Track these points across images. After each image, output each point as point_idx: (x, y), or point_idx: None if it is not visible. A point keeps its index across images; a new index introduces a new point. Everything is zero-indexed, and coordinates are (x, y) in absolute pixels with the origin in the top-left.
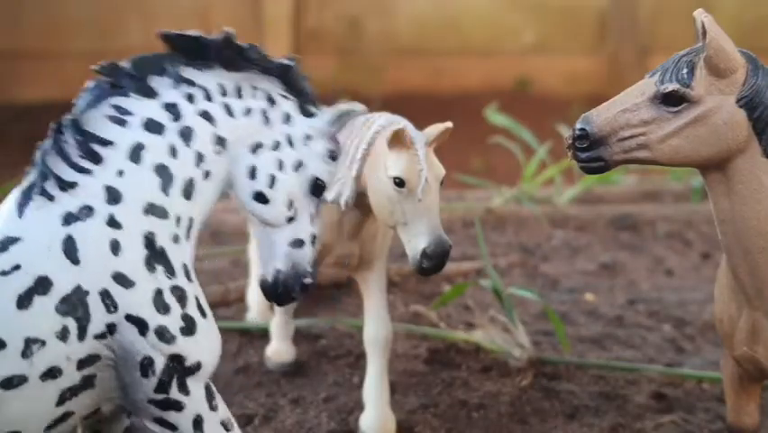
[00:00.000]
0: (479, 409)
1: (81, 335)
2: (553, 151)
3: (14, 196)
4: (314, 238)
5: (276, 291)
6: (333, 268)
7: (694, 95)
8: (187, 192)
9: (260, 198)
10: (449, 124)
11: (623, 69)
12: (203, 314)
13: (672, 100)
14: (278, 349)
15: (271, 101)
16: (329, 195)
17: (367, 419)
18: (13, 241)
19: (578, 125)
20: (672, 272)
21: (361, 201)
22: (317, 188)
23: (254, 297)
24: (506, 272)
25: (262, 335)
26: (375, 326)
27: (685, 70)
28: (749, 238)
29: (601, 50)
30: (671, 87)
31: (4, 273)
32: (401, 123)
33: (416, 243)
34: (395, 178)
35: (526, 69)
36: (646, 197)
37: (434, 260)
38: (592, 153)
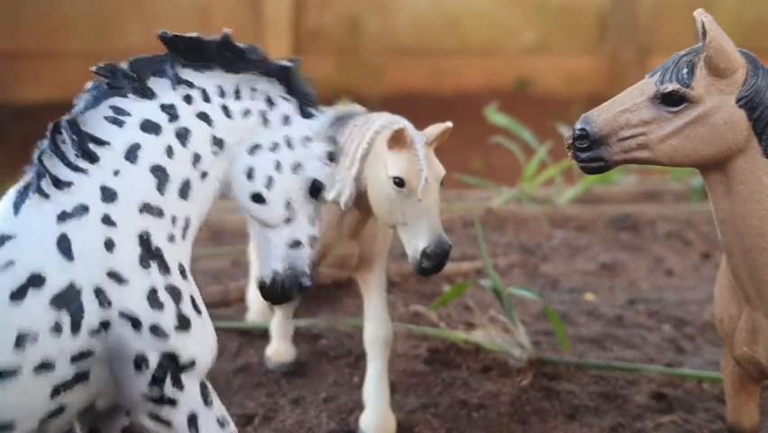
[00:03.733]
0: (479, 409)
1: (75, 330)
2: (553, 151)
3: (11, 194)
4: (313, 239)
5: (273, 292)
6: (333, 268)
7: (694, 95)
8: (184, 192)
9: (258, 198)
10: (449, 124)
11: (623, 69)
12: (198, 312)
13: (672, 100)
14: (278, 349)
15: (270, 102)
16: (329, 195)
17: (367, 419)
18: (7, 238)
19: (578, 125)
20: (672, 272)
21: (360, 201)
22: (316, 189)
23: (254, 297)
24: (506, 272)
25: (262, 335)
26: (375, 326)
27: (685, 70)
28: (749, 238)
29: (601, 50)
30: (671, 86)
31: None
32: (401, 123)
33: (416, 243)
34: (395, 178)
35: (526, 69)
36: (646, 197)
37: (434, 260)
38: (592, 153)
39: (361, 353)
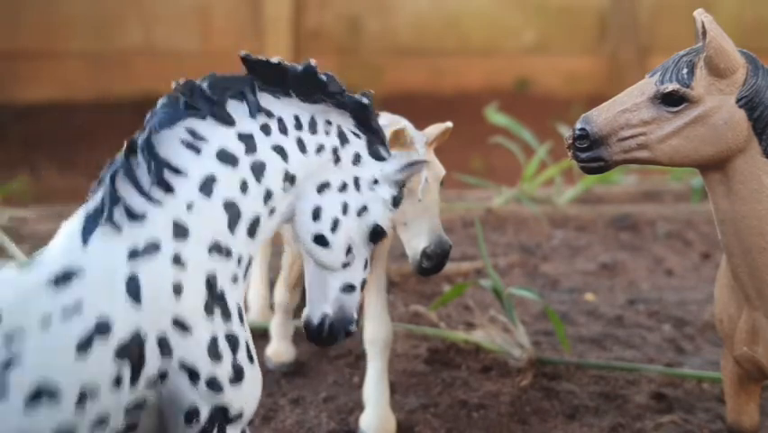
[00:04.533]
0: (479, 409)
1: (134, 381)
2: (553, 151)
3: (78, 218)
4: (364, 283)
5: (320, 334)
6: None
7: (694, 95)
8: (252, 231)
9: (321, 240)
10: (449, 124)
11: (623, 69)
12: (251, 360)
13: (671, 100)
14: (278, 349)
15: (343, 139)
16: None
17: (367, 419)
18: (75, 273)
19: (578, 125)
20: (672, 272)
21: None
22: (377, 235)
23: (254, 297)
24: (506, 272)
25: (262, 335)
26: (375, 326)
27: (685, 70)
28: (749, 238)
29: (601, 50)
30: (671, 86)
31: (67, 312)
32: (401, 123)
33: (416, 243)
34: None
35: (526, 69)
36: (646, 197)
37: (434, 260)
38: (592, 153)
39: (361, 353)
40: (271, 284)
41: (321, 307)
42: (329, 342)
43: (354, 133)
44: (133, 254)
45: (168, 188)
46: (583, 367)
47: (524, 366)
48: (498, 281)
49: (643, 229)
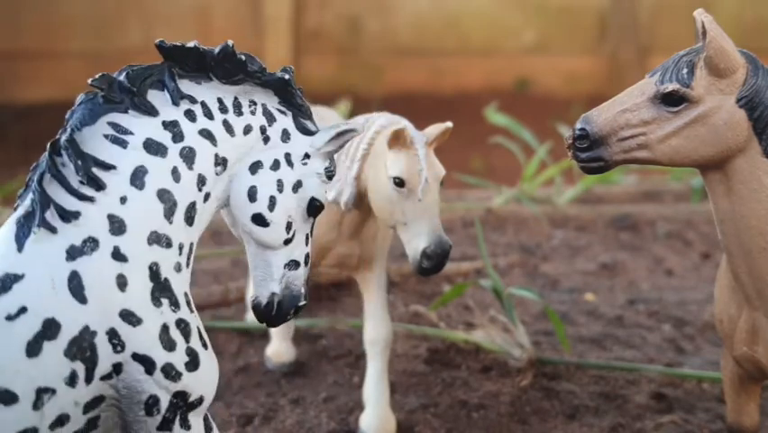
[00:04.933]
0: (479, 409)
1: (89, 378)
2: (553, 151)
3: (10, 225)
4: (307, 258)
5: (269, 314)
6: (333, 268)
7: (694, 95)
8: (189, 217)
9: (260, 220)
10: (449, 124)
11: (623, 69)
12: (204, 345)
13: (671, 100)
14: (278, 349)
15: (270, 117)
16: (329, 195)
17: (367, 419)
18: (15, 279)
19: (578, 125)
20: (672, 272)
21: (361, 201)
22: (314, 208)
23: None
24: (506, 272)
25: (262, 335)
26: (375, 326)
27: (685, 70)
28: (749, 238)
29: (601, 50)
30: (671, 86)
31: (11, 318)
32: (401, 123)
33: (416, 243)
34: (395, 178)
35: (526, 69)
36: (646, 197)
37: (434, 260)
38: (592, 153)
39: (361, 353)
40: None
41: (268, 286)
42: (279, 320)
43: (280, 111)
44: (72, 253)
45: (98, 185)
46: (583, 367)
47: (524, 366)
48: (498, 281)
49: (643, 229)
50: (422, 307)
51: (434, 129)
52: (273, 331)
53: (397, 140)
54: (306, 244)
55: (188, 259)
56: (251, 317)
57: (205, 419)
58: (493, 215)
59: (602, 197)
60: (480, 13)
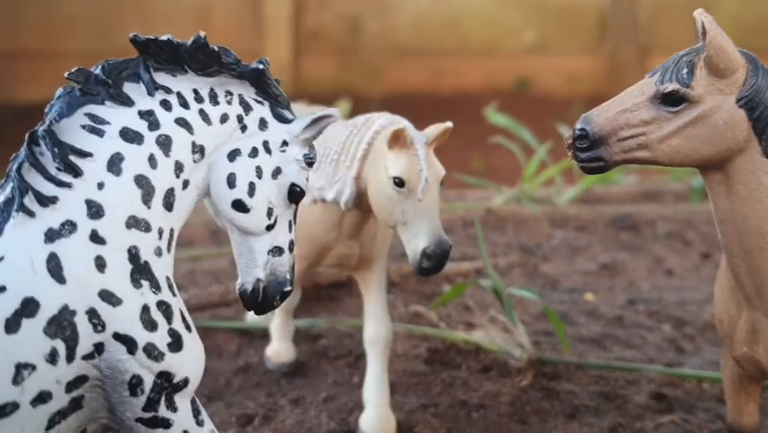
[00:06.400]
0: (479, 409)
1: (70, 356)
2: (553, 151)
3: None
4: (291, 245)
5: (255, 300)
6: (333, 268)
7: (694, 95)
8: (168, 203)
9: (240, 206)
10: (449, 124)
11: (623, 69)
12: (188, 328)
13: (671, 100)
14: (278, 349)
15: (246, 106)
16: (329, 195)
17: (367, 419)
18: None
19: (578, 125)
20: (672, 272)
21: (361, 201)
22: (295, 194)
23: None
24: (506, 272)
25: (262, 335)
26: (375, 326)
27: (685, 70)
28: (749, 238)
29: (601, 50)
30: (671, 86)
31: None
32: (401, 123)
33: (416, 243)
34: (395, 178)
35: (526, 69)
36: (646, 197)
37: (434, 260)
38: (592, 153)
39: (360, 353)
40: None
41: (252, 273)
42: (266, 307)
43: (256, 100)
44: (50, 236)
45: (75, 172)
46: (583, 367)
47: (524, 366)
48: (498, 281)
49: (643, 229)
50: (422, 307)
51: (434, 129)
52: (273, 331)
53: (397, 140)
54: (290, 231)
55: (169, 244)
56: (251, 317)
57: (193, 402)
58: (493, 215)
59: (602, 197)
60: (480, 13)
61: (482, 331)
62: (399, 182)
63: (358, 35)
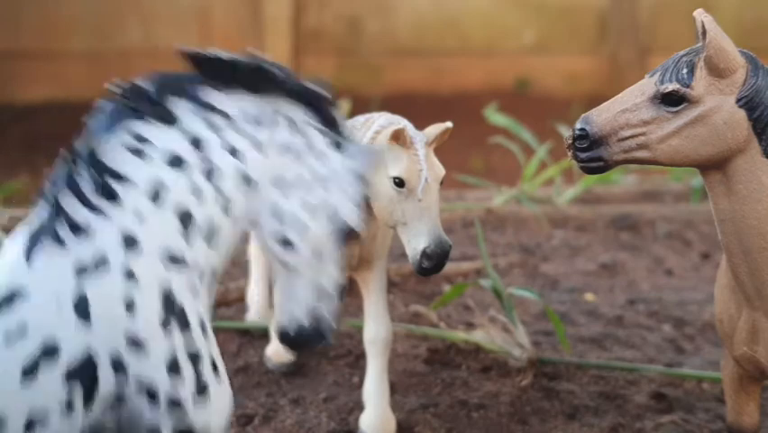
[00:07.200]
0: (479, 409)
1: (87, 405)
2: (553, 151)
3: (23, 236)
4: (339, 288)
5: (297, 344)
6: None
7: (694, 95)
8: (210, 239)
9: (286, 243)
10: (449, 124)
11: (623, 69)
12: (216, 374)
13: (671, 100)
14: (279, 349)
15: (299, 131)
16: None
17: (367, 419)
18: (19, 294)
19: (578, 125)
20: (672, 272)
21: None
22: (347, 235)
23: (254, 297)
24: (506, 272)
25: (262, 335)
26: (375, 326)
27: (685, 70)
28: (749, 238)
29: (601, 50)
30: (671, 86)
31: (9, 336)
32: (401, 123)
33: (416, 243)
34: (395, 178)
35: (526, 69)
36: (646, 197)
37: (434, 260)
38: (592, 153)
39: (360, 353)
40: (271, 284)
41: (294, 312)
42: (306, 350)
43: (309, 125)
44: (81, 271)
45: (113, 198)
46: (583, 367)
47: (524, 366)
48: (498, 281)
49: (643, 229)
50: (422, 307)
51: (434, 129)
52: (273, 331)
53: (397, 140)
54: (338, 272)
55: (209, 282)
56: (251, 317)
57: None
58: (493, 215)
59: (602, 197)
60: (479, 13)
61: (482, 331)
62: (399, 182)
63: (358, 35)
